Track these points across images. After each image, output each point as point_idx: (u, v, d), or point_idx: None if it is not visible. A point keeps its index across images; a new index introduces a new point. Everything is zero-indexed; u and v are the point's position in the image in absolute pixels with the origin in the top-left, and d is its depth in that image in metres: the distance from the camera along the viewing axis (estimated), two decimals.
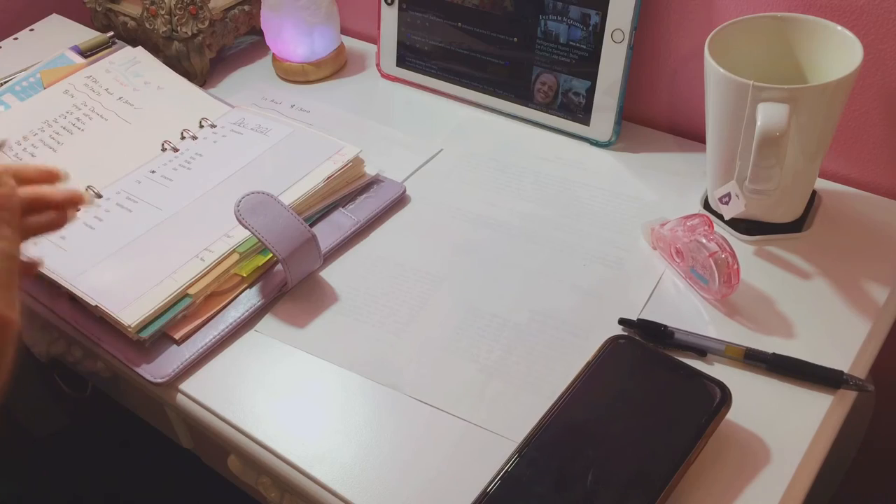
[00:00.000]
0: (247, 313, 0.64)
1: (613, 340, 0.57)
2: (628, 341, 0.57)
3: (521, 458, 0.51)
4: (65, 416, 0.99)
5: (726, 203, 0.65)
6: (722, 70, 0.59)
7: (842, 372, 0.55)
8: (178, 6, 0.87)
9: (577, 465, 0.50)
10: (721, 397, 0.52)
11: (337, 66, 0.93)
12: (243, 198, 0.64)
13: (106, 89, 0.83)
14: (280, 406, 0.58)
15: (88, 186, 0.73)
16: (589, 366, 0.55)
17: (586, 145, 0.80)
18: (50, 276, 0.65)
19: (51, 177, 0.56)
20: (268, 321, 0.65)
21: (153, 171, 0.75)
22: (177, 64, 0.89)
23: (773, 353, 0.56)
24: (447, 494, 0.51)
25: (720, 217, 0.67)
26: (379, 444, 0.55)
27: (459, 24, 0.83)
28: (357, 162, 0.74)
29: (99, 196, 0.72)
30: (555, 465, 0.50)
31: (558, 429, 0.52)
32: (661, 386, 0.54)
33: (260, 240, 0.63)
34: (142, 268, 0.65)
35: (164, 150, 0.77)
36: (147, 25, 0.89)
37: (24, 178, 0.54)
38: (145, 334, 0.61)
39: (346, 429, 0.56)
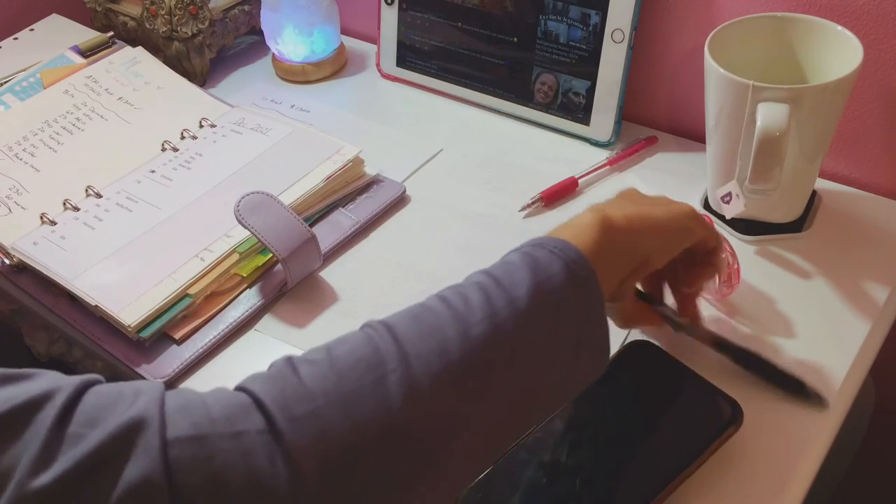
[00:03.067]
0: (247, 313, 0.64)
1: (633, 345, 0.56)
2: (648, 348, 0.56)
3: (517, 448, 0.51)
4: None
5: (726, 203, 0.65)
6: (722, 70, 0.59)
7: (802, 382, 0.54)
8: (178, 6, 0.87)
9: (570, 461, 0.50)
10: (731, 416, 0.51)
11: (337, 66, 0.93)
12: (243, 198, 0.64)
13: (106, 89, 0.83)
14: None
15: (88, 186, 0.73)
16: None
17: (586, 145, 0.79)
18: (50, 276, 0.65)
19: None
20: (268, 321, 0.65)
21: (153, 171, 0.75)
22: (177, 64, 0.89)
23: (742, 347, 0.56)
24: None
25: (720, 217, 0.67)
26: None
27: (459, 24, 0.83)
28: (357, 162, 0.74)
29: (99, 196, 0.72)
30: (547, 460, 0.50)
31: (559, 424, 0.52)
32: (673, 396, 0.53)
33: (260, 240, 0.63)
34: (142, 268, 0.65)
35: (163, 149, 0.77)
36: (147, 25, 0.89)
37: None
38: (145, 334, 0.61)
39: None
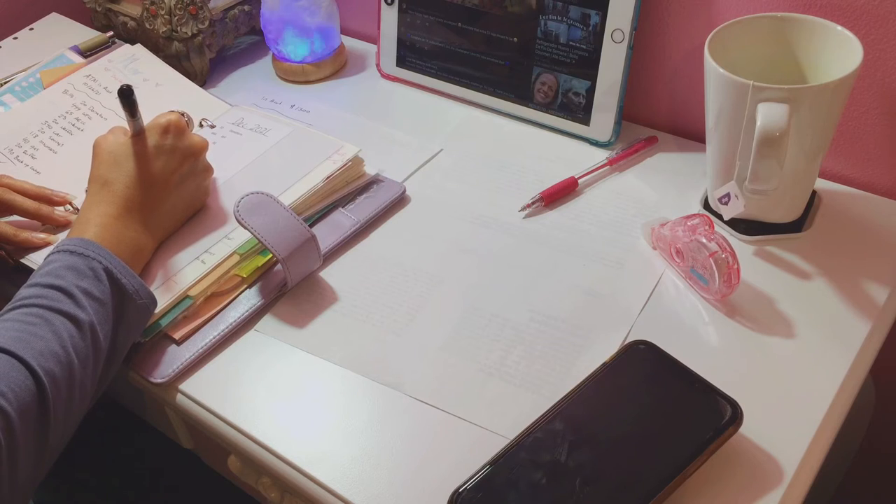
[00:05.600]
0: (247, 313, 0.64)
1: (633, 345, 0.56)
2: (649, 348, 0.56)
3: (517, 448, 0.51)
4: None
5: (726, 203, 0.65)
6: (722, 70, 0.59)
7: None
8: (178, 6, 0.87)
9: (570, 461, 0.50)
10: (731, 416, 0.51)
11: (337, 66, 0.93)
12: (243, 198, 0.64)
13: (105, 88, 0.83)
14: (280, 406, 0.58)
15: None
16: (604, 367, 0.55)
17: (586, 145, 0.80)
18: None
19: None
20: (268, 321, 0.65)
21: None
22: (177, 64, 0.89)
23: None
24: (446, 494, 0.51)
25: (720, 217, 0.67)
26: (379, 444, 0.55)
27: (459, 24, 0.83)
28: (357, 161, 0.74)
29: None
30: (547, 460, 0.50)
31: (559, 424, 0.52)
32: (673, 397, 0.53)
33: (259, 240, 0.63)
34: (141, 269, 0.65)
35: None
36: (147, 25, 0.89)
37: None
38: (145, 335, 0.61)
39: (346, 429, 0.56)
